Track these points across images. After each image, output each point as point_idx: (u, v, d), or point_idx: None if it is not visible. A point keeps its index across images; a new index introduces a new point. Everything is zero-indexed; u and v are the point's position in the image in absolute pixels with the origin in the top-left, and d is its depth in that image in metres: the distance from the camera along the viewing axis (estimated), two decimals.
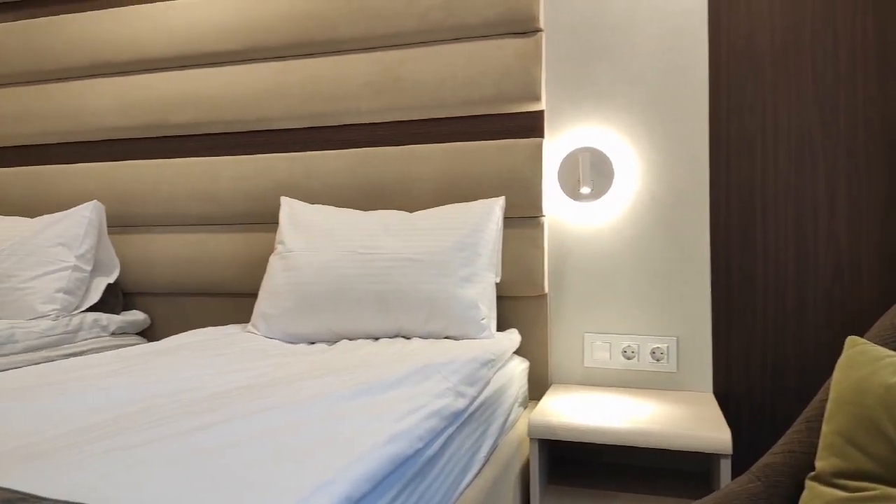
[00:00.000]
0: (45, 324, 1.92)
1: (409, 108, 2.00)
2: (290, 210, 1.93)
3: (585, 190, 1.86)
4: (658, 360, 1.82)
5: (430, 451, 1.01)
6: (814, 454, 1.03)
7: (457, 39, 1.98)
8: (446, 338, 1.68)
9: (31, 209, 2.37)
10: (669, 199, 1.84)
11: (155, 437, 0.79)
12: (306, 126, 2.13)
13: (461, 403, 1.19)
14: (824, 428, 0.99)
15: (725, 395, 1.82)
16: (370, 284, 1.69)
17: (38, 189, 2.37)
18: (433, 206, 1.95)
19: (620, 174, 1.88)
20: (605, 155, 1.87)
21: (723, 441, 1.41)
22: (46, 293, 1.98)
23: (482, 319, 1.67)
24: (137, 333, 2.24)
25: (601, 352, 1.87)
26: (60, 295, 2.00)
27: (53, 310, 1.98)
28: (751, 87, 1.81)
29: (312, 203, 2.06)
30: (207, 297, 2.21)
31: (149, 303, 2.29)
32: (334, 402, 0.96)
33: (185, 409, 0.94)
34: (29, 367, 1.30)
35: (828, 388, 1.07)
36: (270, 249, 2.09)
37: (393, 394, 1.06)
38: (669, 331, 1.83)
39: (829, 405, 1.00)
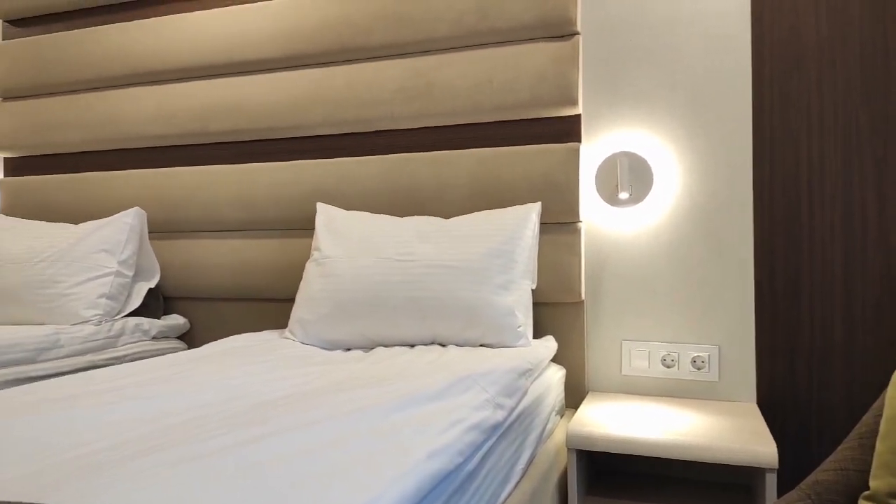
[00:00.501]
0: (88, 329, 1.96)
1: (442, 114, 2.00)
2: (326, 216, 1.94)
3: (624, 195, 1.83)
4: (699, 369, 1.78)
5: (469, 466, 1.01)
6: (867, 472, 1.00)
7: (491, 44, 1.96)
8: (482, 346, 1.67)
9: (74, 215, 2.43)
10: (711, 202, 1.80)
11: (206, 452, 0.79)
12: (341, 132, 2.14)
13: (500, 415, 1.18)
14: (879, 446, 0.95)
15: (769, 406, 1.77)
16: (406, 291, 1.69)
17: (82, 195, 2.42)
18: (467, 212, 1.94)
19: (660, 178, 1.84)
20: (643, 159, 1.84)
21: (768, 454, 1.37)
22: (90, 299, 2.03)
23: (519, 327, 1.65)
24: (177, 337, 2.28)
25: (640, 360, 1.84)
26: (103, 300, 2.05)
27: (96, 315, 2.02)
28: (795, 81, 1.76)
29: (347, 209, 2.07)
30: (245, 302, 2.24)
31: (188, 307, 2.33)
32: (377, 415, 0.96)
33: (232, 421, 0.95)
34: (75, 375, 1.32)
35: (881, 404, 1.03)
36: (306, 255, 2.11)
37: (433, 407, 1.05)
38: (711, 339, 1.79)
39: (883, 422, 0.96)
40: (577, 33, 1.89)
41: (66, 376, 1.32)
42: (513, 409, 1.28)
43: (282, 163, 2.18)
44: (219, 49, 2.24)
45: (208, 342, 2.27)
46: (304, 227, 2.14)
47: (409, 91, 2.02)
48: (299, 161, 2.16)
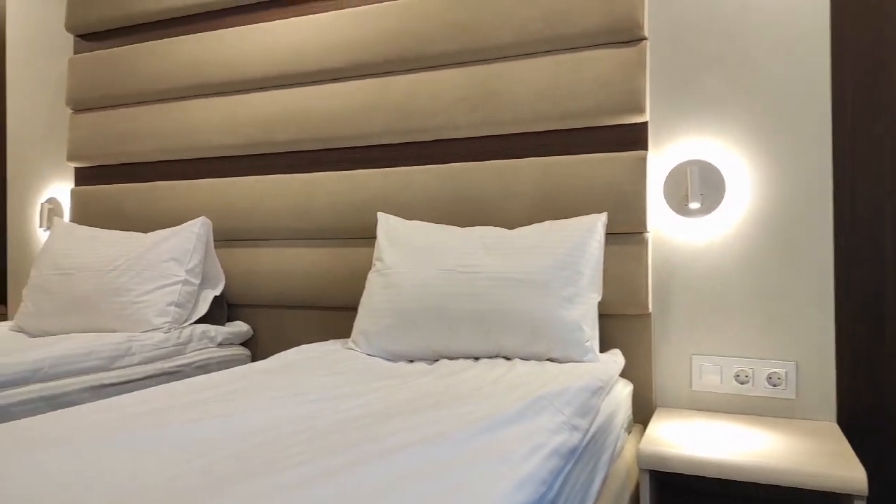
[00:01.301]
0: (158, 336, 2.01)
1: (505, 122, 1.97)
2: (388, 226, 1.94)
3: (694, 205, 1.77)
4: (775, 386, 1.71)
5: (551, 494, 0.99)
6: None
7: (554, 51, 1.93)
8: (548, 360, 1.64)
9: (144, 223, 2.50)
10: (788, 212, 1.73)
11: (296, 481, 0.79)
12: (402, 141, 2.14)
13: (576, 438, 1.15)
14: None
15: (850, 426, 1.69)
16: (469, 304, 1.68)
17: (150, 204, 2.49)
18: (530, 222, 1.91)
19: (732, 188, 1.78)
20: (715, 168, 1.78)
21: (858, 480, 1.31)
22: (160, 307, 2.08)
23: (586, 342, 1.62)
24: (241, 344, 2.32)
25: (711, 375, 1.78)
26: (172, 308, 2.10)
27: (166, 322, 2.07)
28: (879, 84, 1.67)
29: (408, 218, 2.06)
30: (305, 310, 2.27)
31: (251, 314, 2.37)
32: (458, 441, 0.95)
33: (315, 444, 0.95)
34: (154, 389, 1.35)
35: None
36: (367, 264, 2.12)
37: (512, 431, 1.03)
38: (788, 354, 1.72)
39: None
40: (645, 38, 1.84)
41: (146, 390, 1.35)
42: (587, 431, 1.25)
43: (343, 172, 2.19)
44: (284, 59, 2.27)
45: (270, 349, 2.31)
46: (365, 235, 2.15)
47: (471, 99, 2.01)
48: (360, 170, 2.17)
